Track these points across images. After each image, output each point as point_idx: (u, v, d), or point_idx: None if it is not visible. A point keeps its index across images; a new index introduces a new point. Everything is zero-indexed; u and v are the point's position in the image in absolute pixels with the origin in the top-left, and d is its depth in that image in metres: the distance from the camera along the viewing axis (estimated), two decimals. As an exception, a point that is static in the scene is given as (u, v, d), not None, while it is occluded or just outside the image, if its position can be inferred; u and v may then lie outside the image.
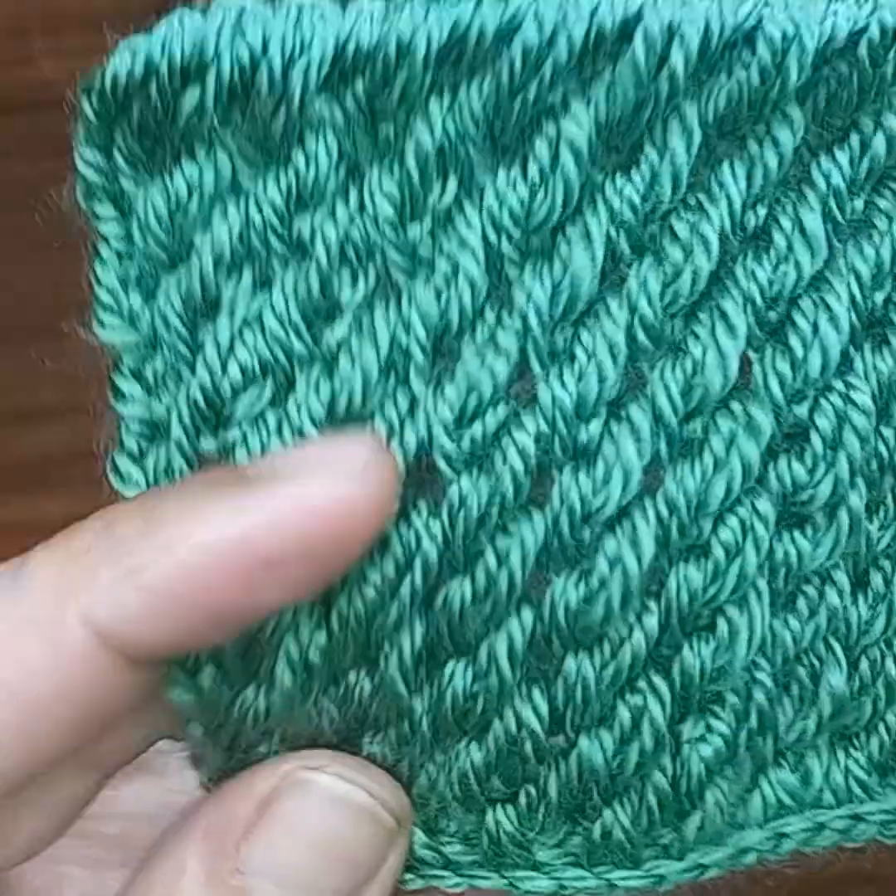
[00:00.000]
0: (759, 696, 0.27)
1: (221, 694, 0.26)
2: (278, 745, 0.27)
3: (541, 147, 0.25)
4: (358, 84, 0.25)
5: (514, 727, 0.27)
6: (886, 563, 0.27)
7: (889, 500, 0.27)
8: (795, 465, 0.26)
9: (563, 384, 0.26)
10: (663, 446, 0.26)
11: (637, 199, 0.26)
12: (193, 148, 0.26)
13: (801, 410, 0.26)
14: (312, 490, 0.24)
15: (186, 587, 0.23)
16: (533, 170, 0.25)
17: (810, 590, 0.27)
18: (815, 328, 0.26)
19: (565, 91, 0.25)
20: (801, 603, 0.27)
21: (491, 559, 0.26)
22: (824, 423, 0.26)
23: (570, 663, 0.26)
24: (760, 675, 0.27)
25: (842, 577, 0.27)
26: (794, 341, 0.26)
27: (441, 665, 0.27)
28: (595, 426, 0.26)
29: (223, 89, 0.25)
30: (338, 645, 0.26)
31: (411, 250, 0.26)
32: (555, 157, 0.25)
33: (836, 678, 0.27)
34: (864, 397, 0.26)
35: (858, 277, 0.26)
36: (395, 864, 0.26)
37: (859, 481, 0.27)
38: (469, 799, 0.27)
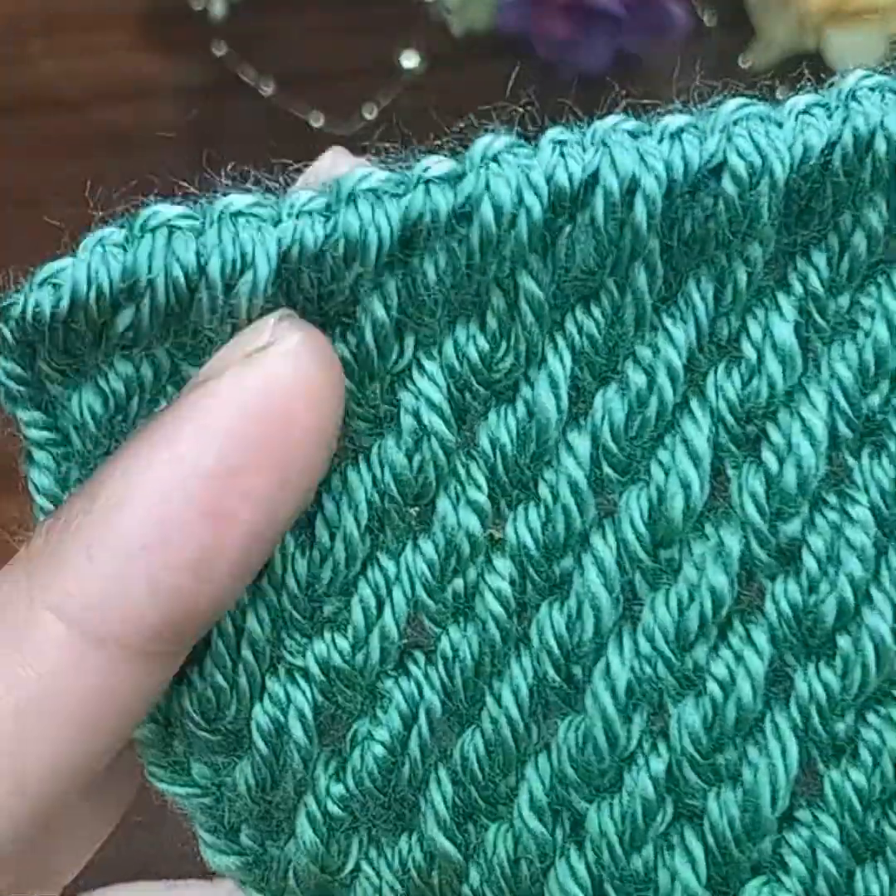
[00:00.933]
0: (824, 860, 0.25)
1: (262, 851, 0.26)
2: None
3: (498, 301, 0.25)
4: (304, 280, 0.24)
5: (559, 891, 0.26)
6: None
7: None
8: (791, 586, 0.25)
9: (527, 526, 0.25)
10: (637, 577, 0.25)
11: (597, 333, 0.25)
12: (130, 351, 0.25)
13: (794, 527, 0.25)
14: (249, 382, 0.22)
15: (143, 555, 0.22)
16: (491, 322, 0.25)
17: (869, 733, 0.25)
18: (789, 441, 0.25)
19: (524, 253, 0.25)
20: (863, 751, 0.25)
21: (491, 705, 0.25)
22: (816, 540, 0.25)
23: (591, 816, 0.25)
24: (824, 837, 0.25)
25: None
26: (767, 456, 0.25)
27: (483, 828, 0.26)
28: (567, 562, 0.25)
29: (158, 312, 0.24)
30: (358, 801, 0.26)
31: (372, 411, 0.26)
32: (513, 310, 0.25)
33: None
34: (861, 509, 0.25)
35: (841, 382, 0.25)
36: None
37: (878, 598, 0.25)
38: None
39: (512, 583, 0.25)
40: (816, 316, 0.25)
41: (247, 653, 0.25)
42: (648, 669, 0.25)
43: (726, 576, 0.25)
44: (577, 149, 0.24)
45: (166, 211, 0.24)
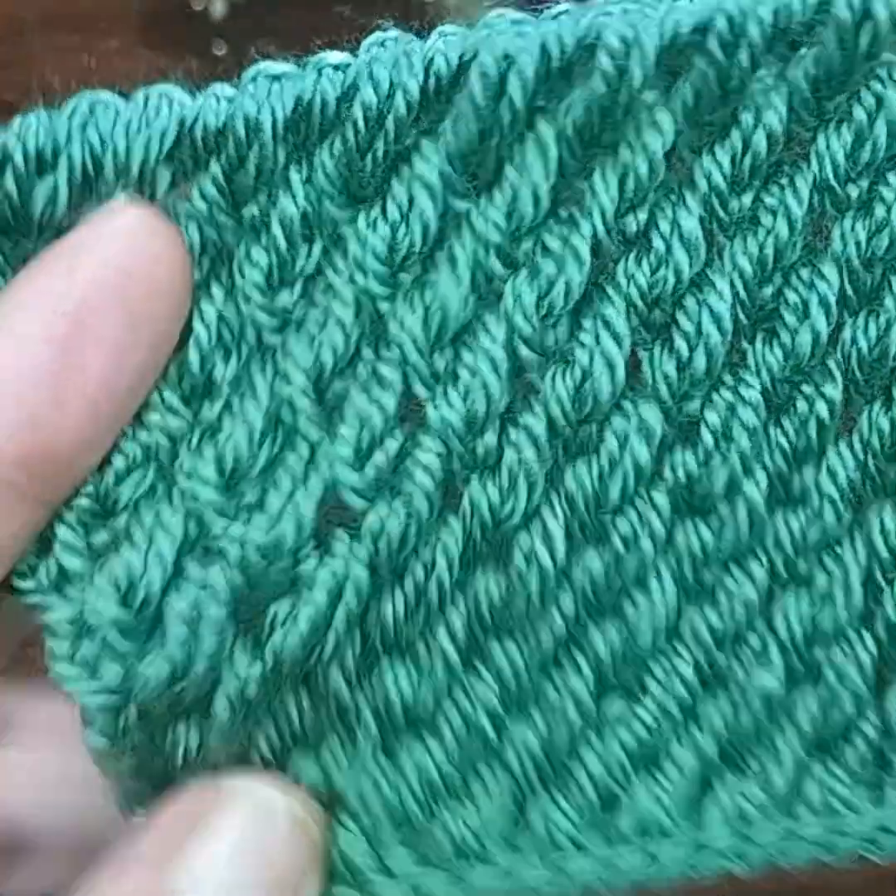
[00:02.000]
0: (678, 687, 0.27)
1: (148, 735, 0.26)
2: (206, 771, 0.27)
3: (397, 188, 0.26)
4: (213, 167, 0.26)
5: (469, 708, 0.27)
6: (812, 557, 0.27)
7: (813, 492, 0.27)
8: (688, 458, 0.27)
9: (449, 404, 0.27)
10: (561, 455, 0.27)
11: (501, 219, 0.26)
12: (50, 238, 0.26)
13: (694, 406, 0.27)
14: (104, 235, 0.25)
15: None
16: (392, 210, 0.26)
17: (729, 581, 0.28)
18: (699, 327, 0.27)
19: (414, 134, 0.26)
20: (721, 595, 0.27)
21: (419, 571, 0.27)
22: (713, 417, 0.27)
23: (497, 652, 0.27)
24: (680, 665, 0.27)
25: (759, 571, 0.28)
26: (679, 341, 0.27)
27: (383, 670, 0.27)
28: (490, 438, 0.27)
29: (75, 176, 0.26)
30: (276, 677, 0.26)
31: (282, 314, 0.27)
32: (410, 195, 0.26)
33: (766, 678, 0.27)
34: (751, 392, 0.27)
35: (742, 274, 0.27)
36: (318, 878, 0.26)
37: (759, 473, 0.27)
38: (437, 794, 0.27)
39: (438, 456, 0.26)
40: (720, 211, 0.27)
41: (161, 538, 0.26)
42: (578, 530, 0.27)
43: (648, 449, 0.27)
44: (460, 37, 0.26)
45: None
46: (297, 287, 0.26)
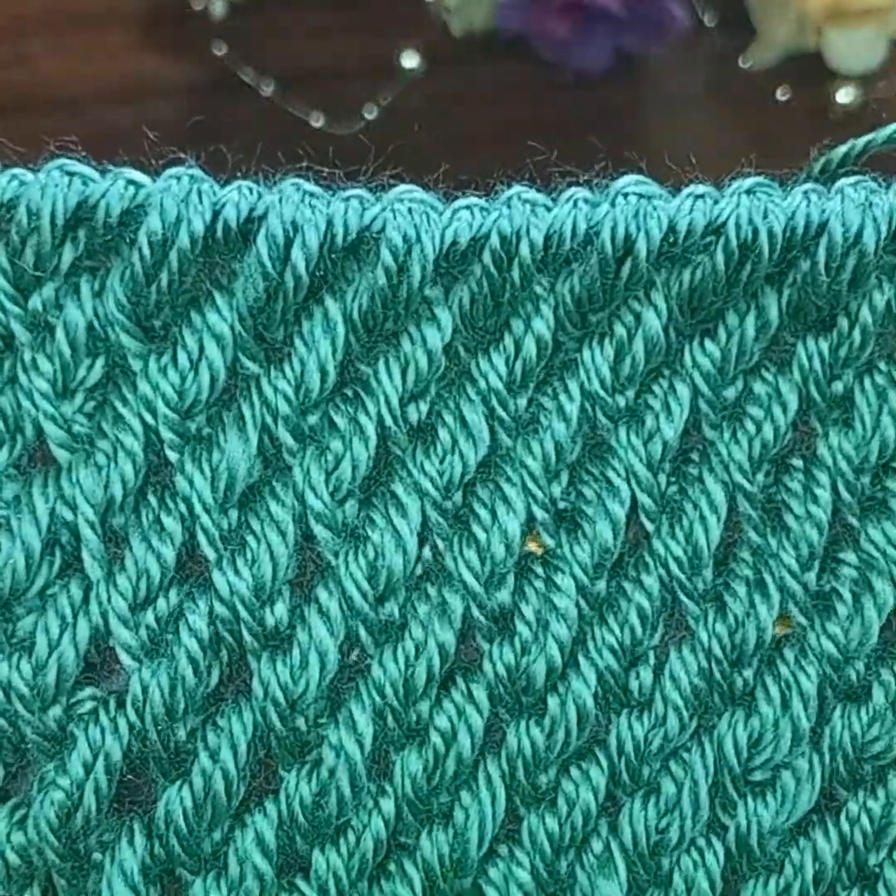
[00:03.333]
0: (514, 892, 0.28)
1: None
2: None
3: (188, 337, 0.27)
4: (2, 260, 0.27)
5: None
6: (648, 766, 0.28)
7: (658, 697, 0.28)
8: (506, 650, 0.28)
9: (235, 570, 0.27)
10: (361, 630, 0.27)
11: (290, 391, 0.27)
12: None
13: (503, 595, 0.28)
14: None
15: None
16: (182, 357, 0.27)
17: (568, 786, 0.28)
18: (494, 514, 0.28)
19: (207, 282, 0.27)
20: (562, 801, 0.28)
21: (204, 760, 0.26)
22: (527, 608, 0.28)
23: (317, 857, 0.27)
24: (518, 871, 0.28)
25: (597, 774, 0.28)
26: (476, 528, 0.28)
27: (184, 884, 0.27)
28: (280, 609, 0.27)
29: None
30: (36, 850, 0.26)
31: (67, 426, 0.27)
32: (201, 345, 0.27)
33: (609, 887, 0.28)
34: (565, 579, 0.28)
35: (529, 471, 0.28)
36: None
37: (586, 665, 0.28)
38: None
39: (215, 621, 0.27)
40: (500, 410, 0.28)
41: None
42: (379, 722, 0.27)
43: (452, 632, 0.27)
44: (251, 195, 0.28)
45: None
46: (79, 398, 0.27)
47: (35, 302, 0.28)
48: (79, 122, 0.66)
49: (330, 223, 0.27)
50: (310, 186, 0.28)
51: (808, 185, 0.28)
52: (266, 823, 0.27)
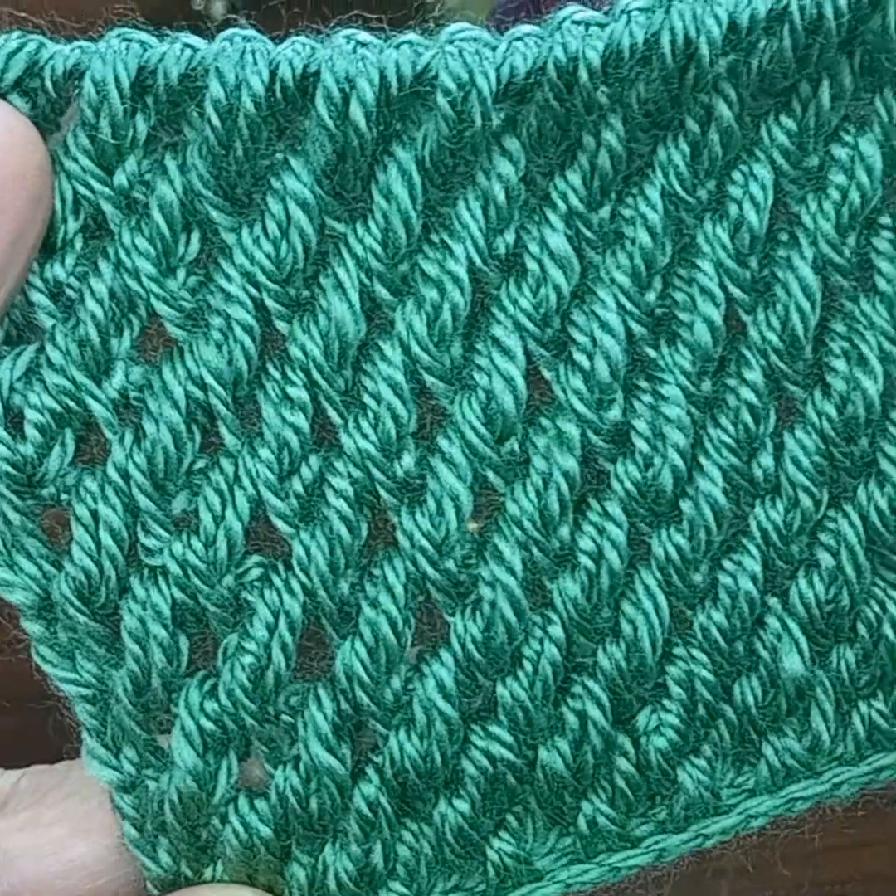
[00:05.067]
0: (699, 687, 0.28)
1: (139, 777, 0.27)
2: (221, 873, 0.27)
3: (273, 204, 0.27)
4: (78, 116, 0.28)
5: (487, 764, 0.27)
6: (796, 546, 0.28)
7: (784, 481, 0.28)
8: (631, 467, 0.28)
9: (360, 431, 0.27)
10: (488, 472, 0.27)
11: (377, 246, 0.27)
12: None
13: (615, 413, 0.28)
14: None
15: None
16: (272, 226, 0.28)
17: (726, 579, 0.28)
18: (593, 338, 0.27)
19: (281, 148, 0.27)
20: (723, 594, 0.28)
21: (368, 611, 0.27)
22: (640, 421, 0.28)
23: (501, 690, 0.27)
24: (697, 668, 0.28)
25: (750, 562, 0.28)
26: (578, 355, 0.28)
27: (373, 736, 0.27)
28: (407, 462, 0.27)
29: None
30: (230, 716, 0.26)
31: (177, 304, 0.27)
32: (287, 212, 0.28)
33: (791, 660, 0.28)
34: (670, 388, 0.28)
35: (621, 287, 0.29)
36: None
37: (709, 465, 0.28)
38: (467, 846, 0.28)
39: (354, 482, 0.27)
40: (583, 229, 0.29)
41: (105, 538, 0.27)
42: (526, 553, 0.28)
43: (573, 457, 0.27)
44: (305, 48, 0.29)
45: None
46: (180, 275, 0.27)
47: (120, 178, 0.27)
48: (78, 121, 0.65)
49: (383, 74, 0.28)
50: (363, 35, 0.27)
51: None
52: (443, 669, 0.28)
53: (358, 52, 0.27)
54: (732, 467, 0.28)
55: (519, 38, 0.27)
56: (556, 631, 0.27)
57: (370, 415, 0.27)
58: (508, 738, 0.27)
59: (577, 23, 0.27)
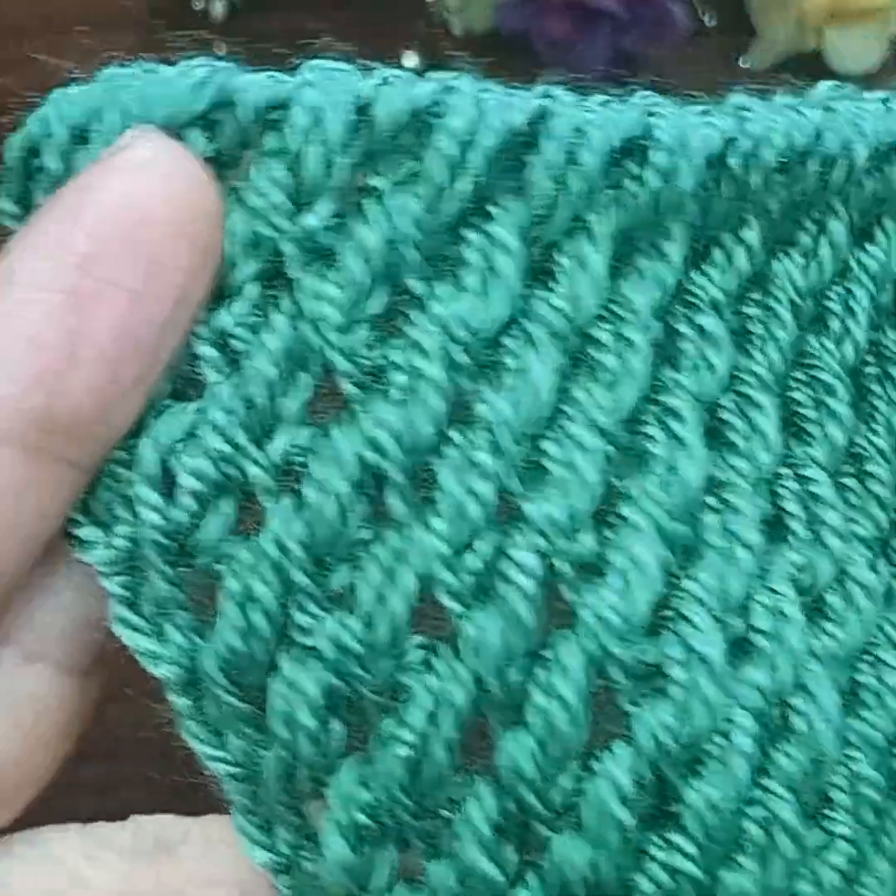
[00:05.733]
0: (866, 791, 0.26)
1: (296, 860, 0.25)
2: None
3: (471, 255, 0.25)
4: (268, 150, 0.25)
5: (666, 879, 0.24)
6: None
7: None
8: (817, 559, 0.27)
9: (547, 499, 0.25)
10: (677, 544, 0.25)
11: (568, 308, 0.25)
12: None
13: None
14: (109, 179, 0.23)
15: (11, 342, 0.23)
16: (471, 279, 0.25)
17: (876, 675, 0.27)
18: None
19: (491, 193, 0.25)
20: (874, 696, 0.27)
21: (539, 698, 0.24)
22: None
23: (688, 792, 0.24)
24: (861, 768, 0.26)
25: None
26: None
27: (546, 842, 0.24)
28: (589, 539, 0.25)
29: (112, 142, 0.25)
30: (385, 810, 0.24)
31: (358, 359, 0.25)
32: (489, 263, 0.25)
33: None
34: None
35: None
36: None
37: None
38: None
39: (540, 555, 0.24)
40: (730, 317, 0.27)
41: (256, 617, 0.24)
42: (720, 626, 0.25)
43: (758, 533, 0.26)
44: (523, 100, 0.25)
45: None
46: (363, 330, 0.25)
47: (310, 220, 0.24)
48: (79, 122, 0.65)
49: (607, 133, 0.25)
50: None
51: None
52: (617, 768, 0.24)
53: (582, 104, 0.25)
54: None
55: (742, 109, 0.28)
56: (747, 722, 0.24)
57: (558, 481, 0.25)
58: (692, 849, 0.24)
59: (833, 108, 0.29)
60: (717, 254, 0.27)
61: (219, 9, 0.65)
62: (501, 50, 0.64)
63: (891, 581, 0.27)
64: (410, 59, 0.63)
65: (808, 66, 0.62)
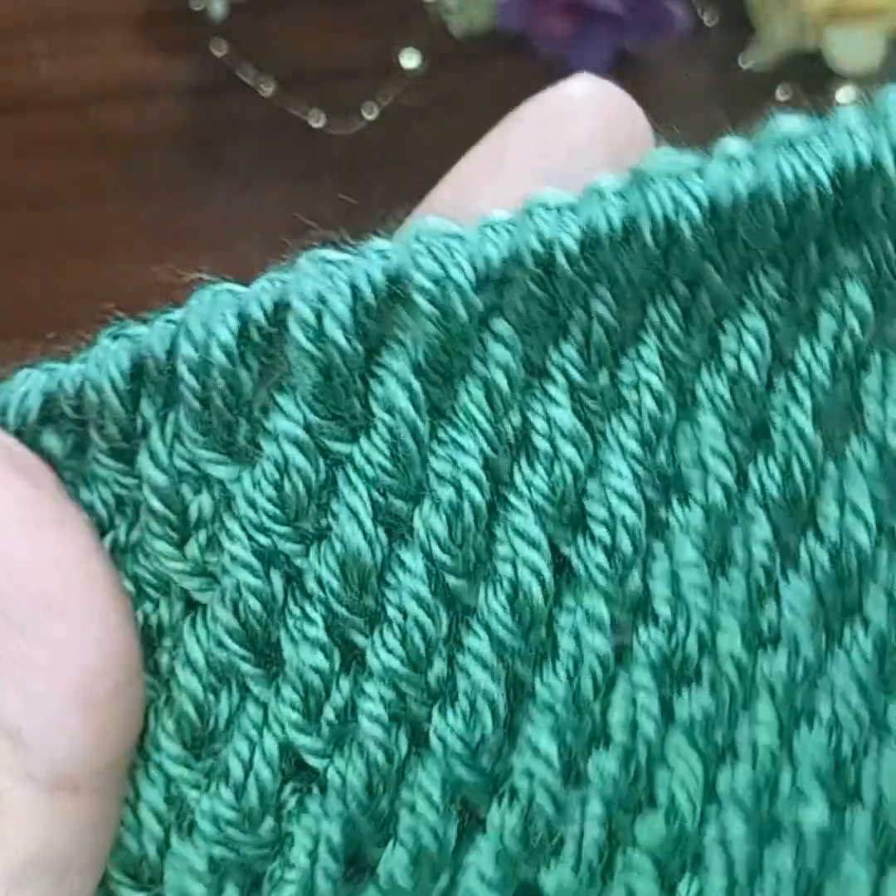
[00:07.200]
0: (734, 848, 0.28)
1: None
2: None
3: (268, 447, 0.27)
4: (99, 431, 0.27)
5: None
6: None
7: (784, 631, 0.29)
8: (654, 632, 0.28)
9: (387, 648, 0.27)
10: (517, 663, 0.27)
11: (386, 461, 0.27)
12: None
13: (635, 583, 0.27)
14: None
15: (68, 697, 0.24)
16: (270, 471, 0.27)
17: (744, 733, 0.28)
18: (611, 511, 0.28)
19: (264, 391, 0.27)
20: (744, 749, 0.28)
21: (408, 820, 0.26)
22: (659, 586, 0.28)
23: (544, 879, 0.27)
24: (731, 827, 0.28)
25: (766, 713, 0.28)
26: (598, 529, 0.28)
27: None
28: (439, 668, 0.27)
29: None
30: None
31: (197, 568, 0.27)
32: (283, 454, 0.27)
33: (812, 812, 0.28)
34: (687, 551, 0.28)
35: (632, 453, 0.28)
36: None
37: (727, 622, 0.28)
38: None
39: (387, 704, 0.27)
40: (587, 400, 0.28)
41: (148, 819, 0.27)
42: (562, 736, 0.27)
43: (603, 635, 0.27)
44: (273, 284, 0.27)
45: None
46: (192, 543, 0.27)
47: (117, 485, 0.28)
48: (79, 122, 0.66)
49: (354, 286, 0.27)
50: (329, 253, 0.27)
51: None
52: (483, 859, 0.27)
53: (326, 269, 0.26)
54: (746, 623, 0.28)
55: (490, 226, 0.27)
56: (597, 810, 0.27)
57: (396, 630, 0.27)
58: None
59: (549, 208, 0.27)
60: (574, 330, 0.28)
61: (219, 9, 0.65)
62: (501, 50, 0.64)
63: None
64: (410, 59, 0.64)
65: (808, 66, 0.62)
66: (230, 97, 0.66)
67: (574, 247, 0.27)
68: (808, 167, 0.27)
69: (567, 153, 0.28)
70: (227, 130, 0.66)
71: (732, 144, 0.28)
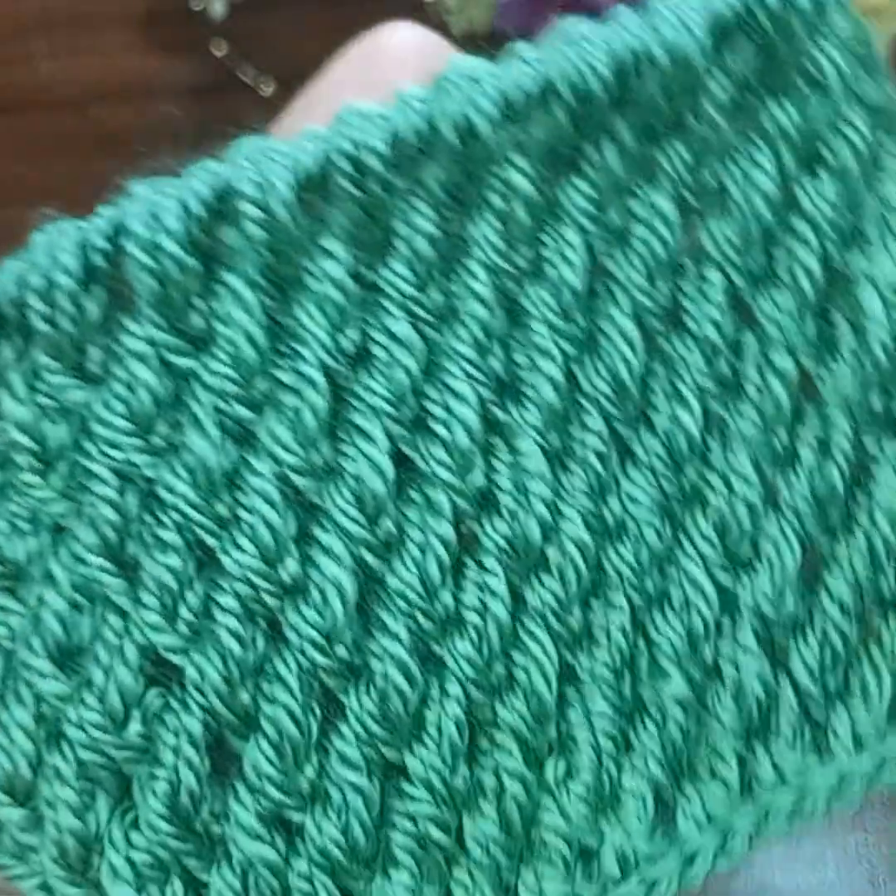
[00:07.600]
0: (599, 727, 0.29)
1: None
2: None
3: (116, 368, 0.28)
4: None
5: (413, 829, 0.28)
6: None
7: (628, 520, 0.30)
8: (498, 522, 0.29)
9: (238, 547, 0.28)
10: (366, 553, 0.28)
11: (229, 371, 0.28)
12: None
13: (478, 475, 0.29)
14: None
15: None
16: (119, 389, 0.28)
17: (599, 618, 0.30)
18: (448, 409, 0.29)
19: (114, 315, 0.28)
20: (599, 633, 0.30)
21: (268, 709, 0.27)
22: (504, 480, 0.29)
23: (411, 760, 0.28)
24: (595, 708, 0.29)
25: (619, 599, 0.30)
26: (437, 427, 0.29)
27: (299, 824, 0.28)
28: (292, 565, 0.28)
29: None
30: (159, 846, 0.27)
31: (57, 503, 0.28)
32: (130, 372, 0.28)
33: (673, 687, 0.29)
34: (527, 444, 0.29)
35: (466, 357, 0.30)
36: None
37: (570, 511, 0.30)
38: None
39: (239, 597, 0.28)
40: (420, 311, 0.29)
41: (17, 735, 0.28)
42: (414, 619, 0.28)
43: (446, 522, 0.29)
44: (114, 210, 0.28)
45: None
46: (63, 467, 0.28)
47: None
48: (79, 121, 0.66)
49: (184, 203, 0.28)
50: (158, 179, 0.29)
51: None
52: (346, 745, 0.28)
53: (157, 190, 0.28)
54: (588, 511, 0.29)
55: (306, 138, 0.28)
56: (455, 690, 0.28)
57: (247, 528, 0.28)
58: (430, 809, 0.28)
59: (358, 116, 0.28)
60: (400, 245, 0.29)
61: (218, 9, 0.65)
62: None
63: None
64: (410, 59, 0.64)
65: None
66: (230, 97, 0.66)
67: (382, 148, 0.28)
68: (587, 61, 0.30)
69: (389, 94, 0.29)
70: (227, 130, 0.66)
71: (522, 48, 0.31)
